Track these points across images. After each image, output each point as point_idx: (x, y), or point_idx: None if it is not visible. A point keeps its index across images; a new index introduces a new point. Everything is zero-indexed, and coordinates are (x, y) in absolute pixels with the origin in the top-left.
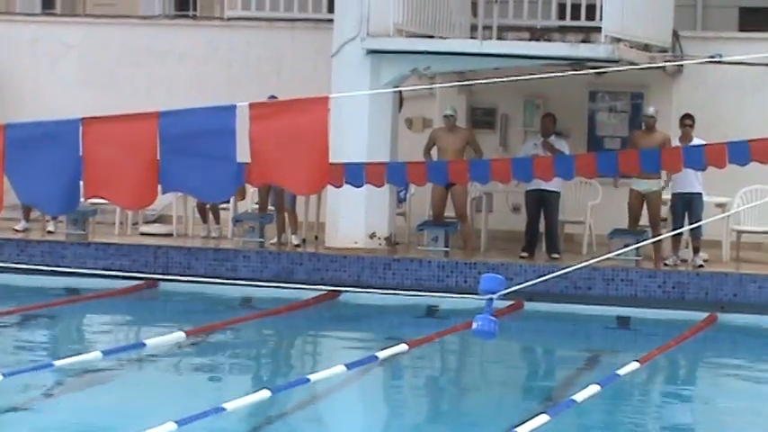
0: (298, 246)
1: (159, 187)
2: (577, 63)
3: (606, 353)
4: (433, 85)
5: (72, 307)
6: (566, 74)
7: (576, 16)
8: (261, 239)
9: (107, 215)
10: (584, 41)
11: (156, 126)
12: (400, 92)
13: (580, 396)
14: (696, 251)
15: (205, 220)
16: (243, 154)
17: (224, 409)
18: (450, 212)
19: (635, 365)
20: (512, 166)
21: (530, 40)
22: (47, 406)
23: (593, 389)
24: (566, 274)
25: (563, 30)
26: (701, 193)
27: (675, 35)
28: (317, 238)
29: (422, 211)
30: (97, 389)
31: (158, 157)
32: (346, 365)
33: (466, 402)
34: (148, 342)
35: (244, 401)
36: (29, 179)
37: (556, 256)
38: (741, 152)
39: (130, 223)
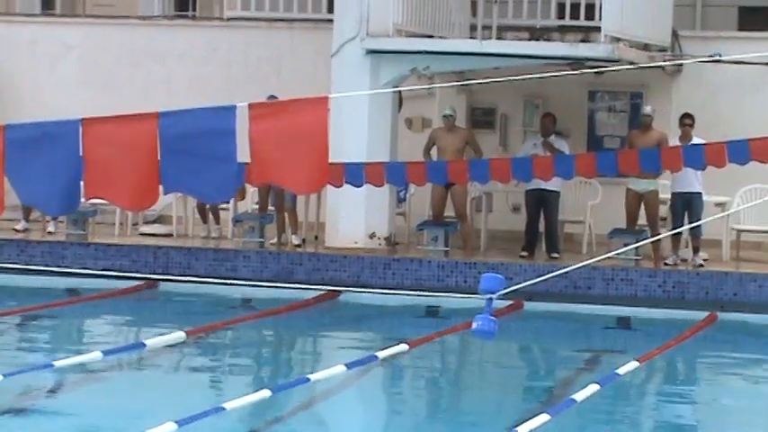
0: (298, 246)
1: (160, 188)
2: (577, 63)
3: (606, 352)
4: (433, 85)
5: (72, 307)
6: (565, 73)
7: (575, 16)
8: (261, 239)
9: (107, 215)
10: (583, 41)
11: (156, 127)
12: (400, 92)
13: (580, 395)
14: (696, 250)
15: (205, 220)
16: (243, 154)
17: (224, 409)
18: (449, 212)
19: (635, 365)
20: (511, 166)
21: (529, 39)
22: (47, 406)
23: (593, 388)
24: (565, 273)
25: (562, 29)
26: (700, 193)
27: (675, 35)
28: (316, 238)
29: (422, 210)
30: (97, 389)
31: (159, 158)
32: (346, 365)
33: (466, 402)
34: (148, 342)
35: (244, 401)
36: (29, 180)
37: (555, 255)
38: (741, 151)
39: (130, 224)
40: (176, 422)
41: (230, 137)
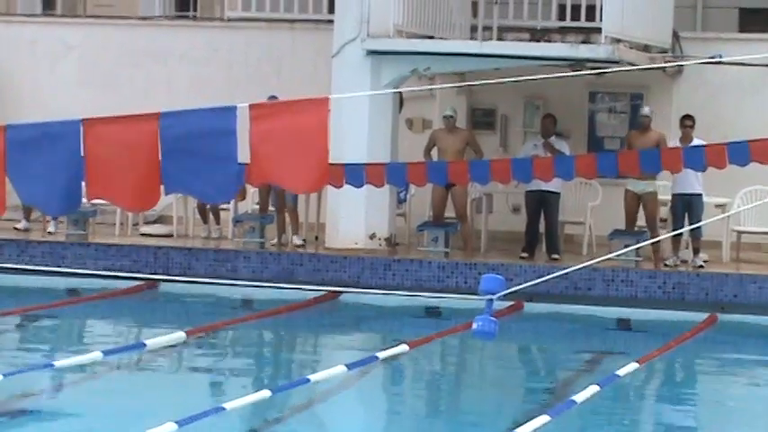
0: (300, 246)
1: (162, 189)
2: (577, 64)
3: (606, 353)
4: (434, 86)
5: (72, 308)
6: (566, 75)
7: (575, 17)
8: (261, 240)
9: (107, 216)
10: (584, 42)
11: (157, 127)
12: (400, 93)
13: (580, 397)
14: (696, 252)
15: (205, 220)
16: (244, 155)
17: (224, 410)
18: (450, 213)
19: (635, 366)
20: (511, 167)
21: (530, 40)
22: (47, 407)
23: (593, 389)
24: (566, 274)
25: (563, 30)
26: (701, 194)
27: (675, 36)
28: (317, 238)
29: (422, 211)
30: (97, 389)
31: (160, 159)
32: (347, 366)
33: (466, 403)
34: (149, 342)
35: (244, 402)
36: (29, 180)
37: (556, 256)
38: (741, 153)
39: (131, 224)
40: (176, 422)
41: (231, 137)
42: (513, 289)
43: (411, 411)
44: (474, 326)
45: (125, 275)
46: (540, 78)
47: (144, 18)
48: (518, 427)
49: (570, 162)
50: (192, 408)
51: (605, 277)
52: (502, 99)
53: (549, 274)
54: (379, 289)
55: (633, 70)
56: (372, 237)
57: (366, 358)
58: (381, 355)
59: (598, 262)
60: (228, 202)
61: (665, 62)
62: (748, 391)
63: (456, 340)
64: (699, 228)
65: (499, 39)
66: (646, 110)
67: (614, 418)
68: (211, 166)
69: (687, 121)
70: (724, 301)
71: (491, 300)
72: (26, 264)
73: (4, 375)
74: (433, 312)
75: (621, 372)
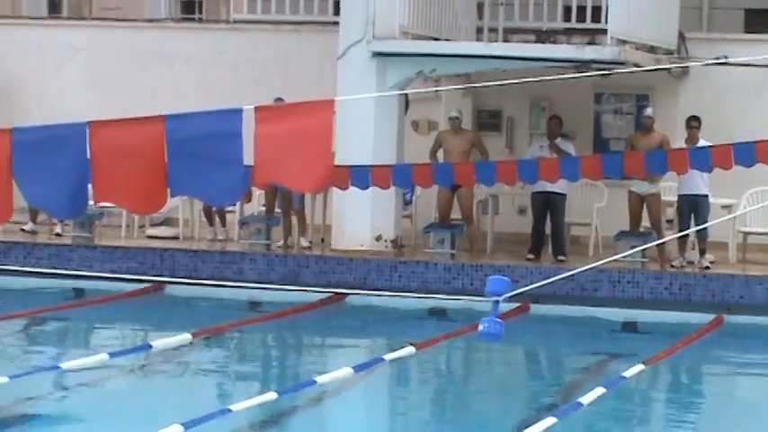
0: (308, 248)
1: (168, 191)
2: (583, 65)
3: (612, 355)
4: (439, 88)
5: (79, 310)
6: (571, 76)
7: (581, 18)
8: (267, 242)
9: (113, 218)
10: (589, 43)
11: (163, 130)
12: (406, 94)
13: (586, 398)
14: (702, 253)
15: (211, 222)
16: (249, 157)
17: (230, 411)
18: (456, 214)
19: (641, 368)
20: (517, 168)
21: (535, 42)
22: (53, 408)
23: (599, 391)
24: (572, 276)
25: (569, 32)
26: (707, 195)
27: (681, 37)
28: (323, 240)
29: (428, 213)
30: (103, 391)
31: (166, 161)
32: (353, 368)
33: (472, 405)
34: (155, 344)
35: (250, 403)
36: (36, 183)
37: (562, 258)
38: (747, 153)
39: (137, 226)
40: (182, 424)
41: (237, 139)
42: (520, 290)
43: (417, 413)
44: (480, 327)
45: (131, 278)
46: (546, 80)
47: (150, 20)
48: (525, 428)
49: (576, 163)
50: (198, 410)
51: (611, 278)
52: (508, 101)
53: (555, 275)
54: (386, 291)
55: (639, 71)
56: (378, 238)
57: (372, 360)
58: (388, 356)
59: (604, 263)
60: (234, 205)
61: (671, 63)
62: (755, 393)
63: (462, 342)
64: (705, 229)
65: (505, 40)
66: (648, 111)
67: (621, 420)
68: (217, 169)
69: (693, 122)
70: (730, 302)
71: (497, 301)
72: (33, 266)
73: (11, 377)
74: (438, 314)
75: (628, 373)
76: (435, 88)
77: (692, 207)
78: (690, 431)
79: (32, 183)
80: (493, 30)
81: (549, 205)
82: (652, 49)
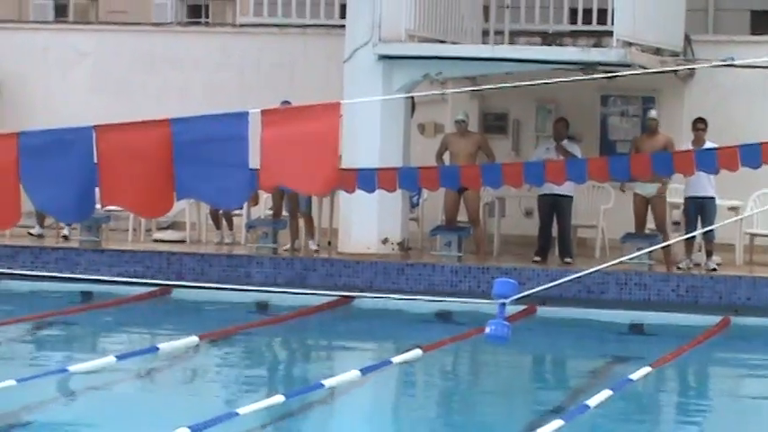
0: (316, 251)
1: (174, 195)
2: (589, 67)
3: (619, 357)
4: (446, 91)
5: (86, 313)
6: (578, 78)
7: (587, 21)
8: (274, 245)
9: (120, 222)
10: (595, 46)
11: (170, 133)
12: (412, 97)
13: (593, 401)
14: (709, 255)
15: (218, 226)
16: (255, 161)
17: (237, 414)
18: (462, 217)
19: (648, 370)
20: (524, 171)
21: (541, 44)
22: (60, 411)
23: (606, 393)
24: (579, 278)
25: (575, 34)
26: (713, 197)
27: (687, 39)
28: (330, 243)
29: (434, 216)
30: (111, 393)
31: (173, 165)
32: (360, 371)
33: (479, 407)
34: (162, 347)
35: (257, 406)
36: (43, 187)
37: (569, 260)
38: (753, 155)
39: (144, 230)
40: (189, 427)
41: (243, 143)
42: (526, 293)
43: (424, 416)
44: (487, 330)
45: (138, 281)
46: (552, 82)
47: (156, 24)
48: (531, 431)
49: (582, 165)
50: (205, 413)
51: (618, 281)
52: (514, 103)
53: (561, 277)
54: (393, 293)
55: (645, 74)
56: (385, 241)
57: (380, 363)
58: (395, 359)
59: (611, 265)
60: (241, 208)
61: (677, 65)
62: (762, 395)
63: (469, 345)
64: (712, 231)
65: (511, 43)
66: (653, 113)
67: (628, 423)
68: (223, 172)
69: (700, 124)
70: (737, 304)
71: (504, 304)
72: (40, 270)
73: (19, 381)
74: (445, 316)
75: (635, 376)
76: (441, 91)
77: (699, 209)
78: None
79: (39, 187)
80: (499, 32)
81: (555, 207)
82: (658, 51)
